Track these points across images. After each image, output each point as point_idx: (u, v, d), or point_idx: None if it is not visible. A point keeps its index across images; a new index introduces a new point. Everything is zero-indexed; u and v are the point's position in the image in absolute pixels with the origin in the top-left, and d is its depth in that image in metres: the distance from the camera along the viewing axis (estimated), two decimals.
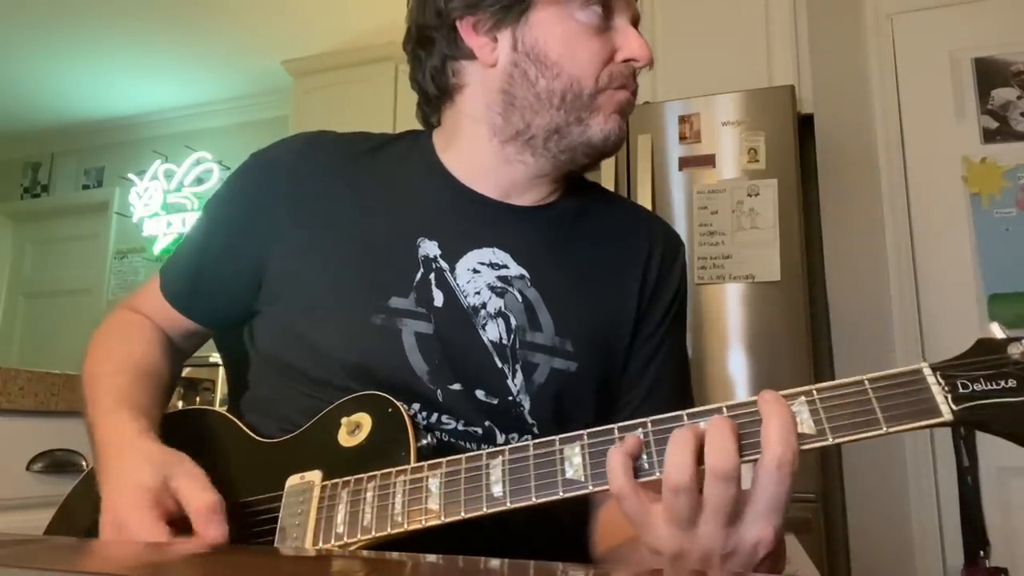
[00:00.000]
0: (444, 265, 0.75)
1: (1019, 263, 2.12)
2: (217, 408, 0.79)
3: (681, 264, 0.87)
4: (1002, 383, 0.50)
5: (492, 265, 0.77)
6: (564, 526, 0.75)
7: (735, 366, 2.03)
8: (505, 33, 0.77)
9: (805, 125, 2.35)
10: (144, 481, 0.61)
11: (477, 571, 0.47)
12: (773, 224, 2.06)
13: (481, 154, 0.81)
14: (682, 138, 2.19)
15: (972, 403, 0.50)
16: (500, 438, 0.72)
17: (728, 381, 2.03)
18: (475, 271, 0.76)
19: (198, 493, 0.60)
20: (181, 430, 0.72)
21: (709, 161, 2.16)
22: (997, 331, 0.52)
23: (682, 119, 2.20)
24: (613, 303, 0.80)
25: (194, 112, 4.46)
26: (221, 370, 3.00)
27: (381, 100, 3.46)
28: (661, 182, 2.18)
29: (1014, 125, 2.21)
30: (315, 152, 0.82)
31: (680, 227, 2.14)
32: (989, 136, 2.23)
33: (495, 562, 0.50)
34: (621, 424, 0.55)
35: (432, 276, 0.75)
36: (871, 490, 2.13)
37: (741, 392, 2.01)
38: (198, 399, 2.84)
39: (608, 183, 2.17)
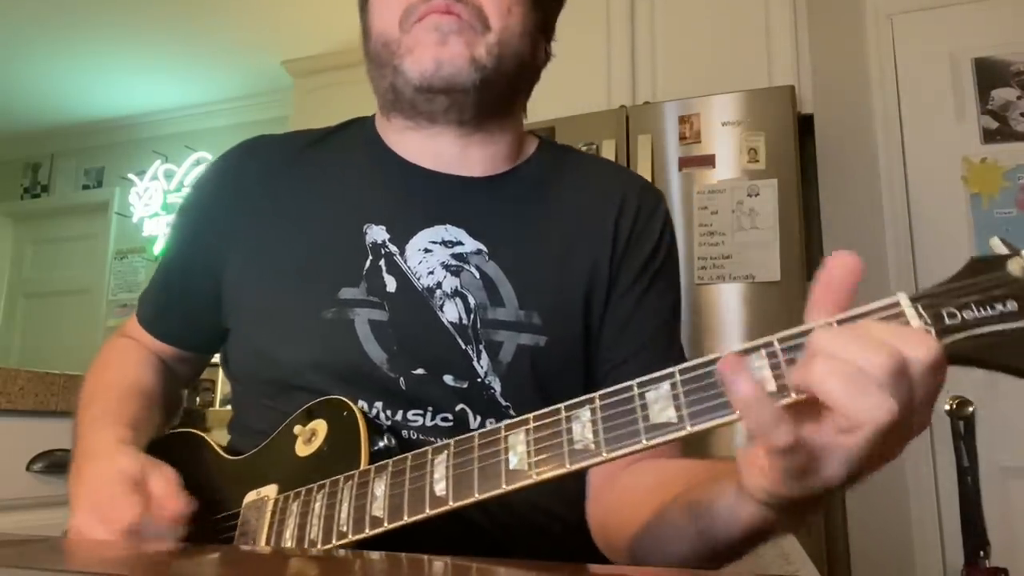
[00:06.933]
0: (393, 249, 0.72)
1: None
2: (217, 407, 0.79)
3: (662, 217, 0.80)
4: (999, 307, 0.40)
5: (445, 243, 0.73)
6: (567, 522, 0.71)
7: None
8: (363, 8, 0.77)
9: (805, 125, 2.34)
10: (124, 467, 0.62)
11: (421, 571, 0.46)
12: (773, 224, 2.05)
13: (394, 129, 0.78)
14: (682, 138, 2.19)
15: (961, 334, 0.41)
16: (474, 422, 0.68)
17: None
18: (426, 251, 0.72)
19: (171, 499, 0.61)
20: (156, 454, 0.72)
21: (709, 161, 2.16)
22: (997, 246, 0.43)
23: (682, 119, 2.20)
24: (584, 266, 0.75)
25: (194, 112, 4.46)
26: (221, 370, 2.99)
27: None
28: (661, 182, 2.18)
29: (1014, 125, 2.21)
30: (254, 156, 0.81)
31: (680, 227, 2.14)
32: (989, 136, 2.23)
33: (438, 561, 0.48)
34: (568, 403, 0.50)
35: (382, 262, 0.72)
36: (871, 490, 2.13)
37: None
38: (198, 399, 2.84)
39: None
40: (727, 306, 2.07)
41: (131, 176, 4.49)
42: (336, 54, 3.62)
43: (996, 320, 0.40)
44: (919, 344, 0.40)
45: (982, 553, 1.39)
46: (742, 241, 2.08)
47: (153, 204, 4.40)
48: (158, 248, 4.33)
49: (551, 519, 0.70)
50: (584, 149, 2.21)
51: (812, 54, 2.38)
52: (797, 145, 2.13)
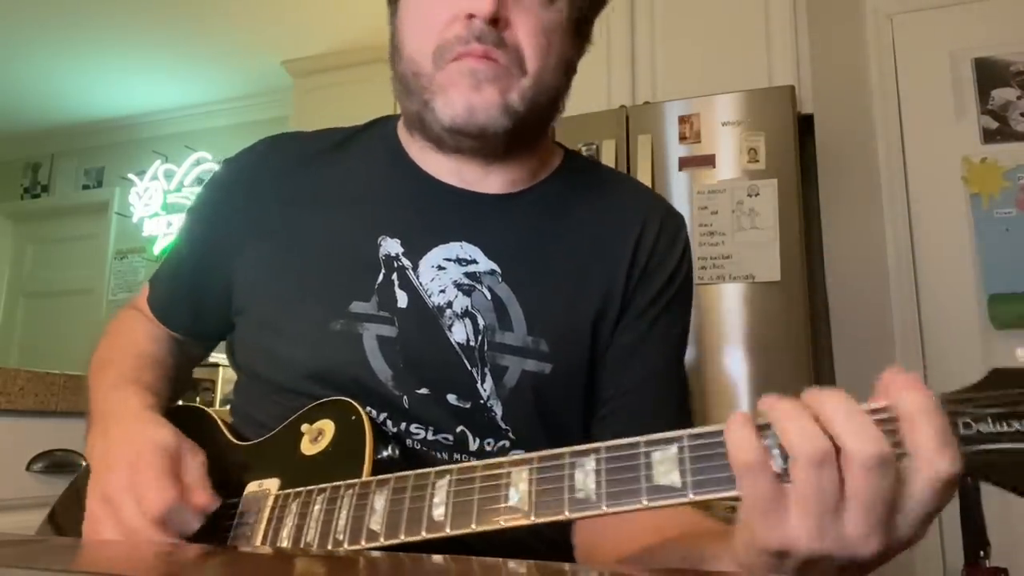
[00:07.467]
0: (407, 263, 0.71)
1: (1019, 263, 2.12)
2: (218, 407, 0.79)
3: (681, 247, 0.80)
4: (1016, 424, 0.40)
5: (459, 261, 0.72)
6: (554, 542, 0.70)
7: (735, 367, 2.03)
8: (393, 13, 0.76)
9: (805, 125, 2.35)
10: (162, 440, 0.61)
11: (421, 569, 0.46)
12: (773, 224, 2.06)
13: (417, 145, 0.77)
14: (682, 138, 2.19)
15: (973, 447, 0.40)
16: (474, 444, 0.68)
17: (728, 382, 2.03)
18: (440, 268, 0.71)
19: (201, 492, 0.60)
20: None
21: (709, 161, 2.16)
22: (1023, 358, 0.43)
23: (682, 119, 2.20)
24: (597, 291, 0.73)
25: (194, 112, 4.46)
26: (221, 370, 3.00)
27: (381, 100, 3.43)
28: (661, 182, 2.18)
29: (1014, 125, 2.21)
30: (274, 156, 0.80)
31: None
32: (989, 136, 2.23)
33: (438, 558, 0.48)
34: (573, 449, 0.49)
35: (395, 276, 0.71)
36: None
37: (741, 393, 2.01)
38: (198, 399, 2.84)
39: None
40: (727, 306, 2.07)
41: (131, 176, 4.49)
42: (336, 54, 3.62)
43: (1010, 438, 0.40)
44: (933, 455, 0.40)
45: (982, 553, 1.39)
46: (742, 241, 2.08)
47: (153, 204, 4.40)
48: (158, 248, 4.33)
49: (539, 540, 0.69)
50: (584, 149, 2.21)
51: (812, 54, 2.39)
52: (797, 145, 2.13)
